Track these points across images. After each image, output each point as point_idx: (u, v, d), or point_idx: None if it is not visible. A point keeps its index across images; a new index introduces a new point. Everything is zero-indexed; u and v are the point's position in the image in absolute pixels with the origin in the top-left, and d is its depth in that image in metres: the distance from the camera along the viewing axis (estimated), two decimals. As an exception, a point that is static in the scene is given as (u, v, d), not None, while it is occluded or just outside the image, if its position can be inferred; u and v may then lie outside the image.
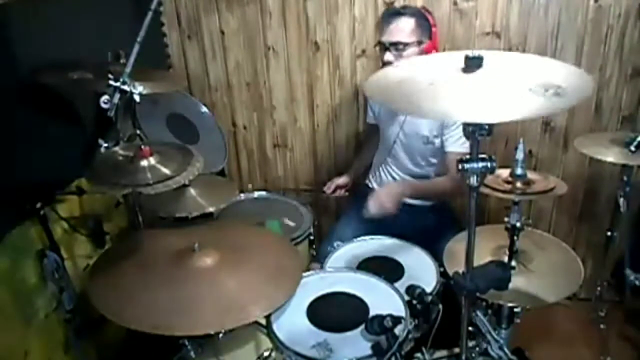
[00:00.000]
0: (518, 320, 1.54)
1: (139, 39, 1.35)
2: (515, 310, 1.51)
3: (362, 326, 1.29)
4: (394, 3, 2.13)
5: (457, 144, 1.87)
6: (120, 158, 1.30)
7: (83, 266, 1.72)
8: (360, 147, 2.38)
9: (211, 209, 1.58)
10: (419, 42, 1.81)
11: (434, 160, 2.01)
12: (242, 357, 1.45)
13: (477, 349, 1.51)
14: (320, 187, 2.25)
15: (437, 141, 1.93)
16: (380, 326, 1.23)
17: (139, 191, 1.21)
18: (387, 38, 1.82)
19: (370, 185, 2.19)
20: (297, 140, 2.50)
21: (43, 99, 1.51)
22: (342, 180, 2.19)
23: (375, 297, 1.42)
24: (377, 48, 1.89)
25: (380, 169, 2.14)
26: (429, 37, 1.83)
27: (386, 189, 1.93)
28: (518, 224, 1.42)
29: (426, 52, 1.83)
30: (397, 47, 1.80)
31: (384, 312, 1.26)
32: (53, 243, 1.53)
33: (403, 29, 1.79)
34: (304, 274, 1.50)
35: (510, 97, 1.03)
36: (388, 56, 1.82)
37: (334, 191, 2.17)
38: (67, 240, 1.66)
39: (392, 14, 1.83)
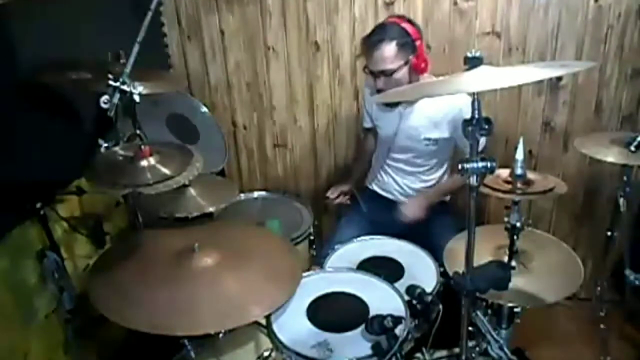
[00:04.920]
0: (518, 320, 1.55)
1: (139, 39, 1.35)
2: (515, 310, 1.52)
3: (362, 326, 1.29)
4: (394, 3, 2.13)
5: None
6: (120, 158, 1.30)
7: (83, 266, 1.72)
8: (358, 152, 2.38)
9: (211, 209, 1.58)
10: (406, 63, 1.79)
11: (430, 161, 2.01)
12: (242, 357, 1.45)
13: (477, 349, 1.52)
14: (321, 192, 2.24)
15: (442, 141, 1.93)
16: (380, 326, 1.23)
17: (139, 191, 1.21)
18: (373, 67, 1.80)
19: (370, 187, 2.18)
20: (297, 140, 2.50)
21: (43, 99, 1.51)
22: (345, 187, 2.18)
23: (375, 297, 1.42)
24: (367, 71, 1.86)
25: (379, 170, 2.13)
26: (414, 52, 1.79)
27: (416, 201, 1.99)
28: (518, 224, 1.42)
29: (415, 67, 1.81)
30: (386, 73, 1.79)
31: (384, 312, 1.26)
32: (53, 243, 1.53)
33: (386, 57, 1.76)
34: (304, 274, 1.50)
35: (519, 69, 1.11)
36: (379, 84, 1.81)
37: (337, 197, 2.16)
38: (67, 240, 1.66)
39: (373, 42, 1.78)
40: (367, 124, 2.18)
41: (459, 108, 1.81)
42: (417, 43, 1.80)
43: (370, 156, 2.22)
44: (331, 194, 2.15)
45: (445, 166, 2.05)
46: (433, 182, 2.05)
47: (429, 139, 1.92)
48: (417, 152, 1.98)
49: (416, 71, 1.82)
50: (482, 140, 1.53)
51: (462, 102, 1.79)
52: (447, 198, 2.13)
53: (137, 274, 1.28)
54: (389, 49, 1.76)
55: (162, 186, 1.21)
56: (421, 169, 2.03)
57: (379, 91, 1.84)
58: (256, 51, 2.33)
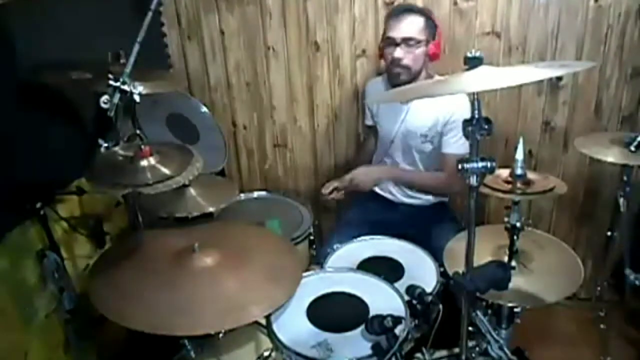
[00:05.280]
0: (518, 320, 1.55)
1: (139, 39, 1.34)
2: (515, 310, 1.52)
3: (362, 326, 1.29)
4: (394, 3, 2.13)
5: (456, 146, 1.88)
6: (120, 158, 1.30)
7: (83, 266, 1.72)
8: (359, 152, 2.38)
9: (211, 209, 1.58)
10: (427, 42, 1.82)
11: (427, 160, 2.01)
12: (242, 357, 1.45)
13: (477, 349, 1.51)
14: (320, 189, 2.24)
15: (436, 140, 1.94)
16: (380, 326, 1.23)
17: (139, 191, 1.21)
18: (398, 34, 1.81)
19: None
20: (297, 140, 2.50)
21: (43, 99, 1.51)
22: (339, 183, 2.18)
23: (375, 297, 1.42)
24: (383, 45, 1.88)
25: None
26: (434, 37, 1.84)
27: (365, 168, 2.02)
28: (518, 224, 1.42)
29: (432, 54, 1.84)
30: (409, 43, 1.80)
31: (384, 312, 1.26)
32: (53, 243, 1.53)
33: (415, 26, 1.80)
34: (304, 274, 1.50)
35: (519, 69, 1.11)
36: (398, 52, 1.82)
37: (331, 192, 2.16)
38: (67, 240, 1.66)
39: (402, 10, 1.83)
40: (369, 121, 2.19)
41: (452, 112, 1.83)
42: (439, 31, 1.86)
43: (370, 155, 2.23)
44: (325, 189, 2.15)
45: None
46: None
47: (425, 136, 1.93)
48: (415, 149, 1.98)
49: (430, 57, 1.86)
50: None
51: (457, 106, 1.80)
52: (447, 198, 2.13)
53: (137, 274, 1.28)
54: (418, 20, 1.81)
55: (162, 186, 1.21)
56: (419, 168, 2.03)
57: (393, 61, 1.84)
58: (256, 51, 2.33)
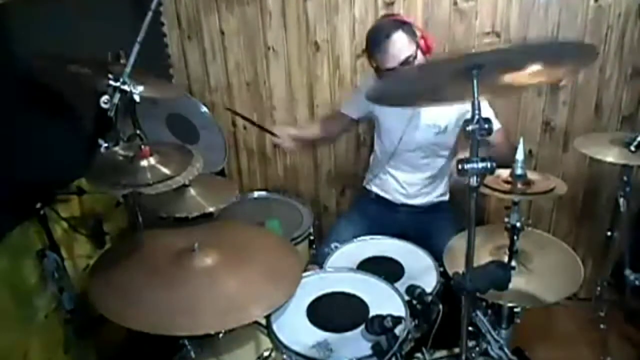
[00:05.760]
0: (518, 320, 1.55)
1: (139, 39, 1.35)
2: (515, 310, 1.52)
3: (362, 326, 1.29)
4: (394, 3, 2.13)
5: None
6: (120, 158, 1.30)
7: (83, 266, 1.72)
8: (320, 124, 2.24)
9: (211, 209, 1.58)
10: (417, 46, 1.77)
11: (444, 153, 1.99)
12: (242, 357, 1.45)
13: (477, 349, 1.52)
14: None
15: (453, 127, 1.92)
16: (380, 326, 1.23)
17: (139, 191, 1.21)
18: (393, 62, 1.73)
19: (369, 188, 2.17)
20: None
21: (43, 98, 1.51)
22: (293, 131, 2.12)
23: (375, 297, 1.42)
24: (381, 72, 1.82)
25: (380, 171, 2.10)
26: (416, 34, 1.78)
27: None
28: (518, 224, 1.43)
29: (426, 50, 1.80)
30: (408, 61, 1.74)
31: (384, 312, 1.26)
32: (53, 243, 1.53)
33: (401, 45, 1.73)
34: (304, 274, 1.50)
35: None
36: None
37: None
38: (67, 240, 1.66)
39: (382, 38, 1.74)
40: (354, 115, 2.11)
41: None
42: (413, 24, 1.80)
43: (318, 133, 2.19)
44: (279, 131, 2.07)
45: (446, 164, 2.05)
46: (430, 176, 2.04)
47: (440, 127, 1.91)
48: (429, 143, 1.95)
49: (426, 52, 1.81)
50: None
51: None
52: (447, 198, 2.13)
53: (137, 274, 1.28)
54: (400, 37, 1.73)
55: (162, 186, 1.21)
56: (430, 164, 2.01)
57: None
58: (256, 51, 2.33)
